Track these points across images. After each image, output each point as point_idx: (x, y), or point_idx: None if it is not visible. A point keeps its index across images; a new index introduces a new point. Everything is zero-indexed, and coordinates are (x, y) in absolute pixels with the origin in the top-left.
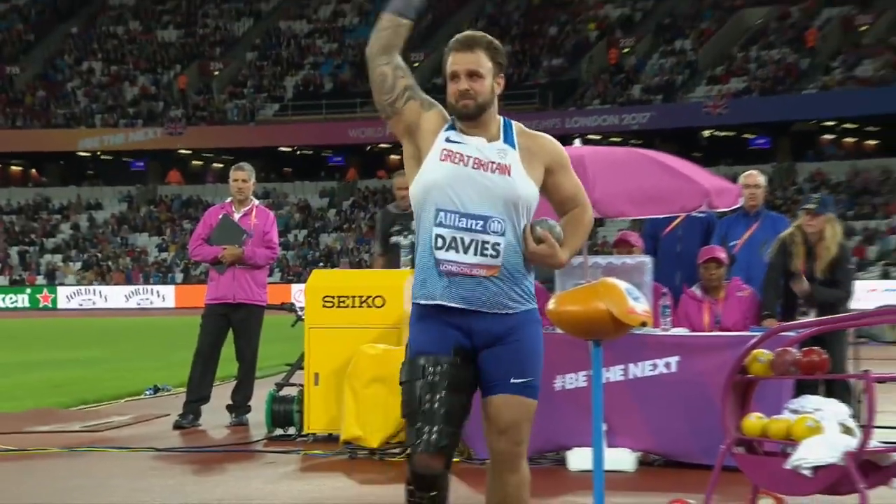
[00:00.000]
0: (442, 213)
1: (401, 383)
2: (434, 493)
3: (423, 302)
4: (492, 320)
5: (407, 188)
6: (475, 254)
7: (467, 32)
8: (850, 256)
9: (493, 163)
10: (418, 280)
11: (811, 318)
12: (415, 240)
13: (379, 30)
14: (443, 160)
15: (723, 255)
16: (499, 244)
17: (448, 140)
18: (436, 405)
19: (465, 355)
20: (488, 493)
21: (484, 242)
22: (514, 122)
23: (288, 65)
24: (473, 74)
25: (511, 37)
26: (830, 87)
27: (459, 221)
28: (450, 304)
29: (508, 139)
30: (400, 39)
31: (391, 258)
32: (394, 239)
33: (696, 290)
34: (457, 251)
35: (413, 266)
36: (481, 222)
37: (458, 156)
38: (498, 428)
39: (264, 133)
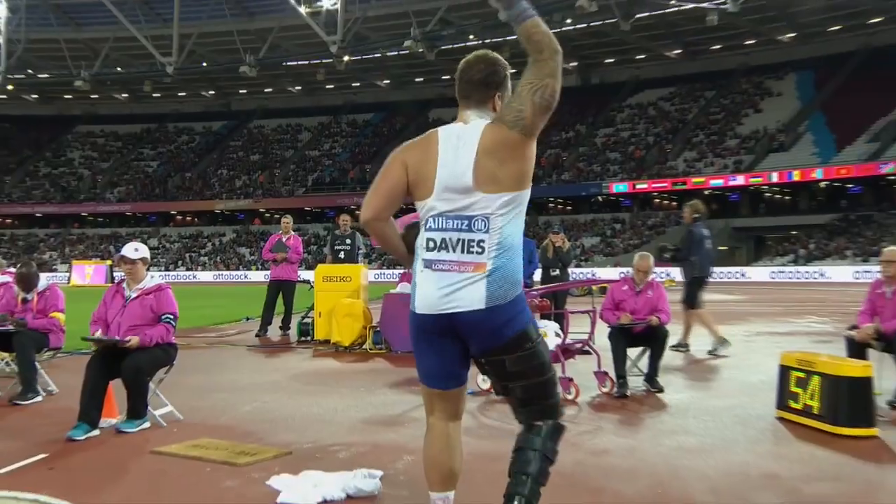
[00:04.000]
0: None
1: (547, 358)
2: None
3: None
4: None
5: (347, 221)
6: None
7: (694, 9)
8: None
9: None
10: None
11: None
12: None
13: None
14: None
15: None
16: None
17: None
18: None
19: None
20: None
21: None
22: None
23: (309, 170)
24: None
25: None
26: (551, 184)
27: None
28: None
29: None
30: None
31: (335, 258)
32: (338, 247)
33: None
34: None
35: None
36: None
37: None
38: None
39: (299, 201)
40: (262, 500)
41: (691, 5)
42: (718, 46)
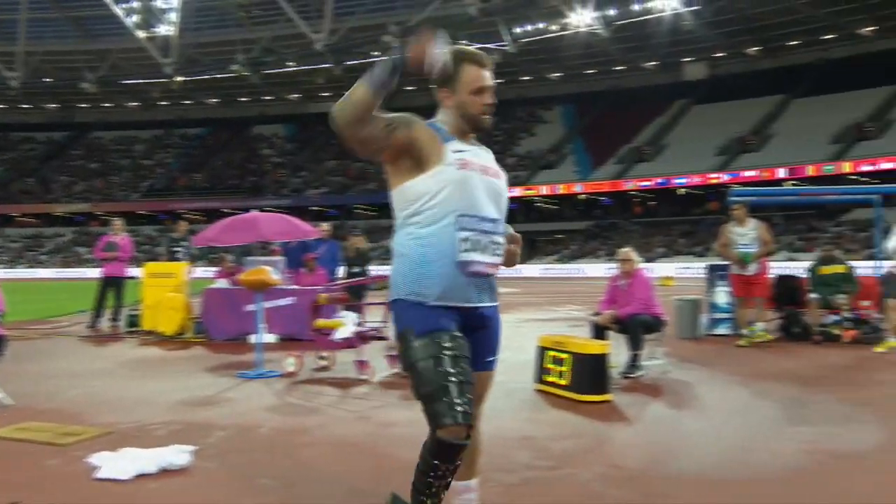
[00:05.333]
0: (464, 218)
1: (413, 363)
2: (458, 463)
3: (441, 304)
4: (485, 310)
5: (183, 226)
6: (491, 254)
7: (478, 52)
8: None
9: (491, 168)
10: (428, 279)
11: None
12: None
13: (354, 101)
14: (461, 168)
15: (314, 256)
16: (502, 244)
17: (455, 150)
18: (458, 378)
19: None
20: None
21: (494, 243)
22: None
23: (143, 177)
24: (493, 92)
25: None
26: (358, 192)
27: (479, 224)
28: (472, 306)
29: (485, 148)
30: (370, 112)
31: (170, 258)
32: (173, 248)
33: (305, 270)
34: (479, 252)
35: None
36: (492, 224)
37: (469, 163)
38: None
39: (133, 206)
40: (81, 476)
41: (479, 45)
42: (500, 80)
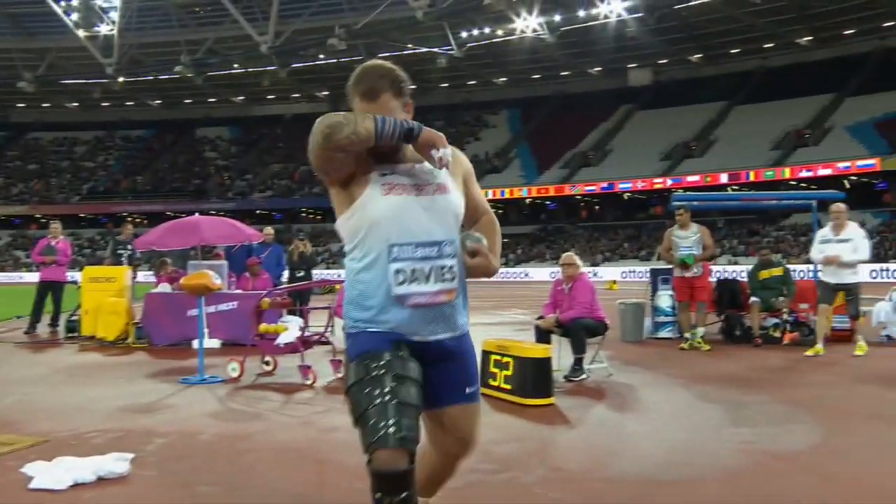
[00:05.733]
0: (396, 248)
1: (346, 390)
2: (405, 495)
3: (382, 329)
4: (445, 342)
5: (130, 229)
6: (436, 281)
7: (369, 77)
8: (317, 256)
9: (431, 184)
10: (368, 315)
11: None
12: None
13: (354, 132)
14: (387, 194)
15: (258, 260)
16: (454, 267)
17: (383, 174)
18: (387, 398)
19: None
20: (432, 468)
21: (441, 268)
22: None
23: (85, 179)
24: None
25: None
26: (304, 196)
27: (416, 252)
28: (423, 339)
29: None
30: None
31: (115, 261)
32: (119, 251)
33: (249, 275)
34: (419, 283)
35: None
36: (434, 248)
37: (397, 186)
38: (459, 437)
39: (74, 208)
40: (15, 487)
41: (425, 49)
42: (446, 84)
